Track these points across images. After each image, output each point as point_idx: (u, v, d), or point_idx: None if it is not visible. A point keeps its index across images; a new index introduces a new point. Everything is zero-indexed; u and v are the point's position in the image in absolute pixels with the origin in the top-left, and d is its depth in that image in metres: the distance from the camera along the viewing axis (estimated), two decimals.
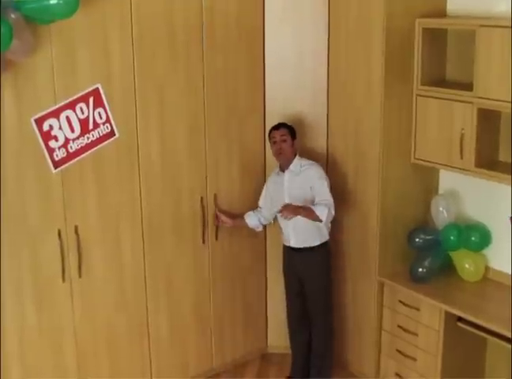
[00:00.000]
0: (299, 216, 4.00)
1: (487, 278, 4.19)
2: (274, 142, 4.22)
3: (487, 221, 4.17)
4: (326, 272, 4.33)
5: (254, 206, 4.49)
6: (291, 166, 4.22)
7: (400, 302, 4.17)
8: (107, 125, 3.81)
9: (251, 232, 4.59)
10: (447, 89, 3.96)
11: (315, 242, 4.22)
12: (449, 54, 4.17)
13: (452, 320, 3.93)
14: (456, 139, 3.88)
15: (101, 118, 3.78)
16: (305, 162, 4.24)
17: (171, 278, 4.28)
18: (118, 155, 3.89)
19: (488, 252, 4.20)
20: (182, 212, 4.25)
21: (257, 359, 4.87)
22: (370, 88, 4.13)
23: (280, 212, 4.00)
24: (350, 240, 4.46)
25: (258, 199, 4.47)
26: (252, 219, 4.44)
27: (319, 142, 4.49)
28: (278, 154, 4.22)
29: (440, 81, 4.14)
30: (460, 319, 3.89)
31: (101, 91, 3.74)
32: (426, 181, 4.37)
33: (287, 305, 4.52)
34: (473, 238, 4.11)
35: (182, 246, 4.28)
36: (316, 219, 4.02)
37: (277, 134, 4.21)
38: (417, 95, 4.09)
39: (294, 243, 4.26)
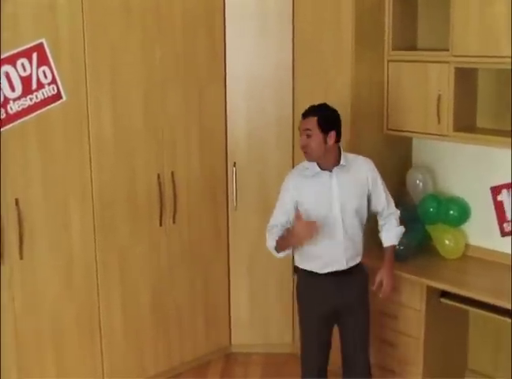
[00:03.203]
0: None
1: (467, 255, 3.93)
2: (301, 135, 3.29)
3: (463, 195, 3.94)
4: (368, 294, 3.44)
5: (214, 185, 4.18)
6: (343, 161, 3.26)
7: None
8: (53, 86, 3.42)
9: (211, 217, 4.23)
10: (421, 51, 3.77)
11: (359, 257, 3.36)
12: (420, 19, 3.99)
13: (434, 298, 3.63)
14: (432, 103, 3.68)
15: (46, 77, 3.39)
16: (352, 156, 3.36)
17: (124, 264, 3.86)
18: (65, 121, 3.50)
19: (466, 228, 3.95)
20: (137, 190, 3.85)
21: (220, 359, 4.44)
22: (340, 55, 3.88)
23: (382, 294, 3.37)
24: None
25: (217, 179, 4.14)
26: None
27: (284, 112, 4.18)
28: (304, 153, 3.27)
29: (411, 48, 3.96)
30: (443, 295, 3.60)
31: (46, 47, 3.37)
32: (399, 153, 4.13)
33: (307, 359, 3.48)
34: (452, 212, 3.86)
35: (137, 228, 3.88)
36: None
37: (302, 125, 3.26)
38: (389, 60, 3.89)
39: (340, 266, 3.29)
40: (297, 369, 4.26)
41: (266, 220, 4.27)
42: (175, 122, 3.96)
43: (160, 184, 3.92)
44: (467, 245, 3.94)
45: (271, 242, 3.33)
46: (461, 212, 3.87)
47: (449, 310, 3.66)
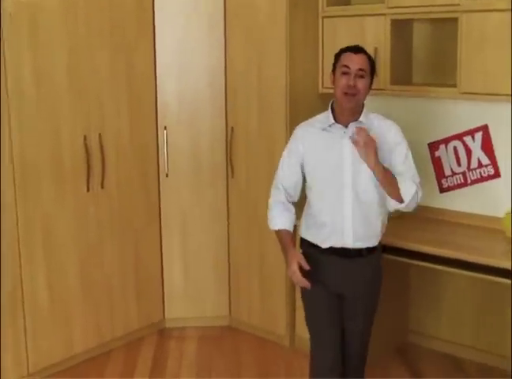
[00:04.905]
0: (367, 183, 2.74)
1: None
2: (345, 73, 2.70)
3: None
4: (380, 286, 2.99)
5: (144, 150, 3.96)
6: (362, 118, 2.78)
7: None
8: None
9: (142, 183, 4.01)
10: (356, 5, 3.71)
11: (376, 240, 2.88)
12: None
13: None
14: None
15: None
16: (375, 115, 2.84)
17: (49, 233, 3.60)
18: None
19: None
20: (62, 153, 3.61)
21: (154, 333, 4.22)
22: (274, 15, 3.75)
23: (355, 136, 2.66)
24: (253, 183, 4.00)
25: (147, 143, 3.92)
26: (290, 221, 2.88)
27: (217, 74, 4.03)
28: (347, 95, 2.69)
29: (346, 4, 3.90)
30: (384, 250, 3.51)
31: None
32: None
33: (316, 359, 2.95)
34: None
35: (62, 194, 3.62)
36: (395, 196, 2.76)
37: (354, 62, 2.69)
38: (323, 17, 3.81)
39: (351, 241, 2.79)
40: (234, 341, 4.16)
41: (199, 187, 4.15)
42: (102, 82, 3.74)
43: (86, 146, 3.68)
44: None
45: (274, 223, 2.87)
46: None
47: (391, 268, 3.58)
